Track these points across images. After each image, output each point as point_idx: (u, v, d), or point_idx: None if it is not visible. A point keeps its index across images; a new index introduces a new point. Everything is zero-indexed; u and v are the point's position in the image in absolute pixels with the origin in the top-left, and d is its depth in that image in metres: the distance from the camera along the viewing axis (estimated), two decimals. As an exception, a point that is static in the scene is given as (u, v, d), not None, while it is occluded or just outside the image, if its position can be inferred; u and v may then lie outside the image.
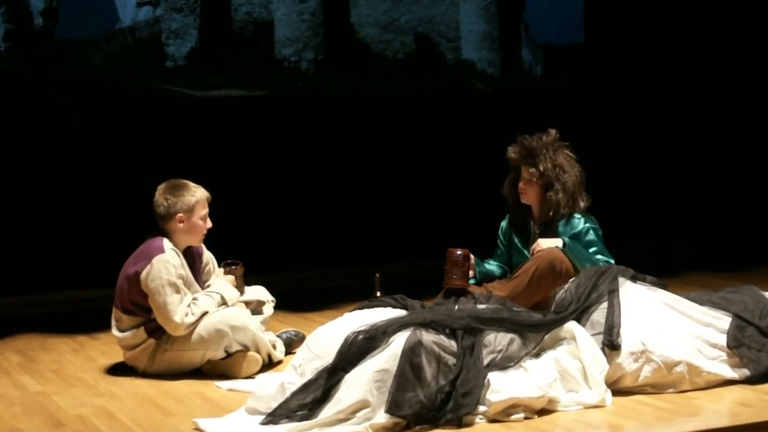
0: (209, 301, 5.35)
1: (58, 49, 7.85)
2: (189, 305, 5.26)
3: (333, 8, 8.60)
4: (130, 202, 7.70)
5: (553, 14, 9.25)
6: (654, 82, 9.55)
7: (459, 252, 5.57)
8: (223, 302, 5.40)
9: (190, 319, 5.25)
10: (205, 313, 5.30)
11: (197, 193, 5.42)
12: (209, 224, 5.47)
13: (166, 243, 5.34)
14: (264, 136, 8.30)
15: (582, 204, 5.66)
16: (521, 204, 5.75)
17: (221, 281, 5.50)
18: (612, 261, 5.46)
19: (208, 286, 5.52)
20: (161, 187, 5.45)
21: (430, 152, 8.74)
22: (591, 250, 5.51)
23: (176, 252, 5.35)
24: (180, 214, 5.36)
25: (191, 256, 5.49)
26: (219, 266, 5.67)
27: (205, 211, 5.45)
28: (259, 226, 8.05)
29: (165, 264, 5.24)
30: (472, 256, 5.65)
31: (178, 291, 5.24)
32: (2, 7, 7.65)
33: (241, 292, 5.63)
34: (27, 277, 7.56)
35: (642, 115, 9.54)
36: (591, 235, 5.57)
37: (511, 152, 5.74)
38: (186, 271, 5.36)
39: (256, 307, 5.73)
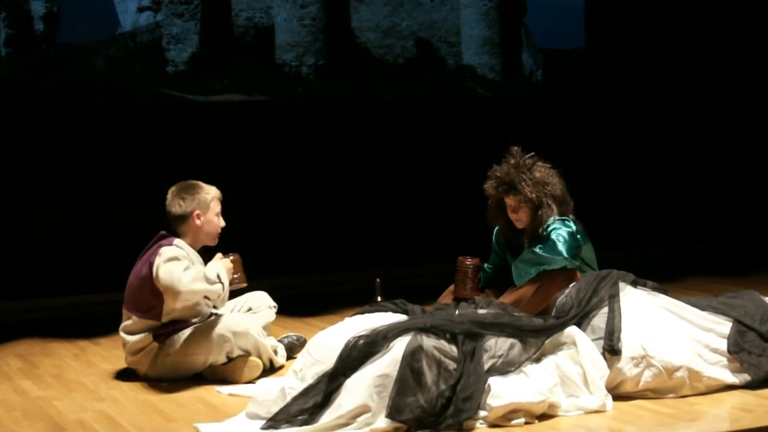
0: (209, 283, 5.28)
1: (59, 54, 7.86)
2: (192, 273, 5.21)
3: (333, 13, 8.61)
4: (132, 207, 7.73)
5: (553, 19, 9.26)
6: (654, 87, 9.56)
7: (469, 262, 5.56)
8: (219, 281, 5.34)
9: (187, 282, 5.16)
10: (206, 277, 5.25)
11: (211, 191, 5.48)
12: (222, 223, 5.51)
13: (177, 242, 5.36)
14: (265, 141, 8.31)
15: (569, 207, 5.62)
16: (513, 228, 5.72)
17: (213, 263, 5.44)
18: (560, 249, 5.35)
19: None
20: (173, 190, 5.46)
21: (430, 157, 8.75)
22: (536, 249, 5.46)
23: (185, 249, 5.35)
24: (197, 211, 5.39)
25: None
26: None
27: (219, 208, 5.50)
28: (260, 231, 8.05)
29: (174, 250, 5.25)
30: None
31: (180, 261, 5.21)
32: (3, 11, 7.66)
33: (242, 280, 5.56)
34: (28, 282, 7.56)
35: (643, 119, 9.55)
36: (552, 234, 5.50)
37: (490, 188, 5.62)
38: (196, 265, 5.36)
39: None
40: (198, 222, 5.41)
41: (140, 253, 5.43)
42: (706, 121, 9.69)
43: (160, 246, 5.32)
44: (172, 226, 5.43)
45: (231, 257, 5.57)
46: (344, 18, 8.72)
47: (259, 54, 8.46)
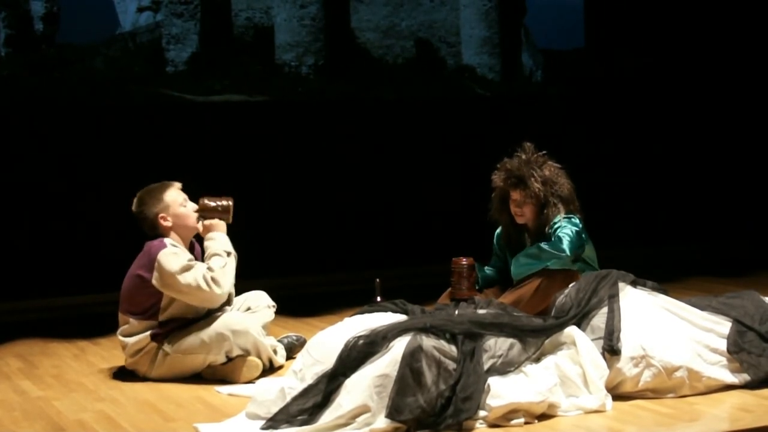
0: (218, 258, 5.33)
1: (59, 54, 7.86)
2: (204, 274, 5.22)
3: (333, 13, 8.62)
4: (131, 207, 7.73)
5: (553, 20, 9.27)
6: (654, 87, 9.56)
7: (464, 262, 5.55)
8: (228, 253, 5.38)
9: (221, 280, 5.23)
10: (225, 266, 5.29)
11: (162, 188, 5.44)
12: (193, 205, 5.46)
13: (167, 240, 5.35)
14: (264, 141, 8.31)
15: (575, 207, 5.63)
16: (515, 224, 5.73)
17: (210, 240, 5.42)
18: (564, 247, 5.39)
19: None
20: (133, 206, 5.46)
21: (430, 157, 8.75)
22: (542, 244, 5.49)
23: (177, 245, 5.35)
24: (161, 214, 5.37)
25: (193, 254, 5.49)
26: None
27: (182, 197, 5.45)
28: (260, 231, 8.06)
29: (170, 256, 5.23)
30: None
31: (190, 269, 5.22)
32: (3, 12, 7.66)
33: (228, 221, 5.54)
34: (27, 282, 7.56)
35: (642, 120, 9.55)
36: (558, 231, 5.51)
37: (498, 180, 5.65)
38: (193, 258, 5.36)
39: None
40: (166, 223, 5.39)
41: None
42: (706, 120, 9.70)
43: (151, 249, 5.31)
44: (152, 235, 5.43)
45: (223, 202, 5.52)
46: (344, 18, 8.72)
47: (259, 54, 8.47)
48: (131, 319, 5.36)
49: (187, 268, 5.22)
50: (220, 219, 5.50)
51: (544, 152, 5.67)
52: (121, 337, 5.42)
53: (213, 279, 5.24)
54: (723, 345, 4.92)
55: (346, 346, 4.47)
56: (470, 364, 4.46)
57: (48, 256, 7.66)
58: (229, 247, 5.44)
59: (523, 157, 5.63)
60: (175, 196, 5.43)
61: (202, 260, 5.45)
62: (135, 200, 5.47)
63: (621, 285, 5.01)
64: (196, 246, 5.58)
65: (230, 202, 5.53)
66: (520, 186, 5.57)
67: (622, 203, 9.28)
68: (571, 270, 5.43)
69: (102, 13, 8.11)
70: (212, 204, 5.51)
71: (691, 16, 9.61)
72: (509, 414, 4.40)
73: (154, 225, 5.39)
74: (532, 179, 5.54)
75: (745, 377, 4.88)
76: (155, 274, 5.24)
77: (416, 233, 8.65)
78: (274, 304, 5.83)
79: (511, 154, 5.68)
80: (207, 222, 5.48)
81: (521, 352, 4.61)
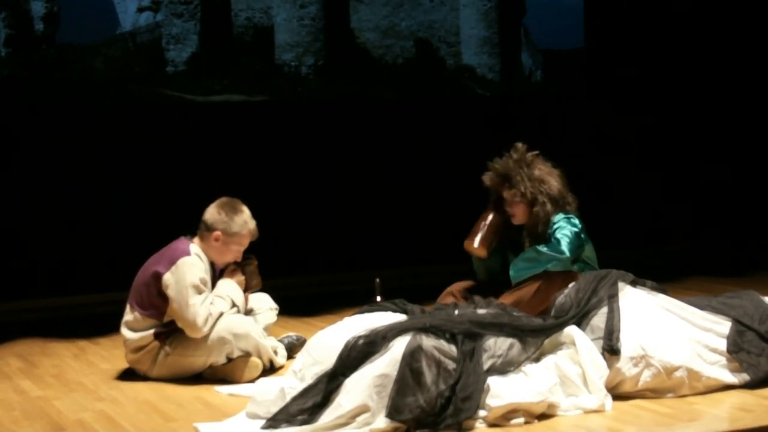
0: (223, 302, 5.36)
1: (59, 54, 7.86)
2: (207, 306, 5.24)
3: (333, 13, 8.62)
4: (131, 207, 7.73)
5: (553, 20, 9.27)
6: (653, 88, 9.56)
7: (491, 217, 5.62)
8: (234, 305, 5.40)
9: (211, 322, 5.26)
10: (221, 314, 5.32)
11: (245, 227, 5.42)
12: (238, 258, 5.49)
13: (193, 247, 5.36)
14: (264, 141, 8.31)
15: (569, 205, 5.64)
16: (511, 225, 5.73)
17: (227, 283, 5.48)
18: (563, 248, 5.42)
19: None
20: (222, 199, 5.47)
21: (430, 157, 8.75)
22: (539, 247, 5.51)
23: (201, 257, 5.36)
24: (218, 233, 5.37)
25: (212, 268, 5.50)
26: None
27: (242, 247, 5.46)
28: (260, 231, 8.04)
29: (190, 266, 5.25)
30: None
31: (200, 293, 5.25)
32: (3, 12, 7.66)
33: (258, 284, 5.62)
34: (28, 282, 7.57)
35: (642, 119, 9.55)
36: (557, 233, 5.53)
37: (487, 180, 5.71)
38: (208, 277, 5.37)
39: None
40: (214, 243, 5.40)
41: (155, 252, 5.44)
42: (705, 120, 9.69)
43: (176, 249, 5.32)
44: (198, 227, 5.44)
45: (249, 266, 5.57)
46: (344, 18, 8.72)
47: (259, 54, 8.47)
48: (137, 313, 5.35)
49: (199, 290, 5.24)
50: (244, 279, 5.55)
51: (537, 152, 5.68)
52: (124, 329, 5.41)
53: (211, 315, 5.27)
54: (722, 345, 4.92)
55: (346, 346, 4.47)
56: (470, 363, 4.47)
57: (48, 256, 7.65)
58: (239, 301, 5.45)
59: (514, 156, 5.66)
60: (241, 239, 5.43)
61: (217, 277, 5.49)
62: (224, 201, 5.44)
63: (620, 285, 5.01)
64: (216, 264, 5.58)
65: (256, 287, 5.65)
66: (506, 185, 5.60)
67: (621, 203, 9.28)
68: (570, 270, 5.44)
69: (102, 13, 8.11)
70: (251, 271, 5.58)
71: (692, 14, 9.60)
72: (509, 414, 4.41)
73: (208, 230, 5.39)
74: (518, 177, 5.57)
75: (745, 377, 4.88)
76: (169, 274, 5.25)
77: (416, 233, 8.65)
78: (276, 306, 5.84)
79: (504, 155, 5.70)
80: (235, 273, 5.53)
81: (521, 352, 4.62)
